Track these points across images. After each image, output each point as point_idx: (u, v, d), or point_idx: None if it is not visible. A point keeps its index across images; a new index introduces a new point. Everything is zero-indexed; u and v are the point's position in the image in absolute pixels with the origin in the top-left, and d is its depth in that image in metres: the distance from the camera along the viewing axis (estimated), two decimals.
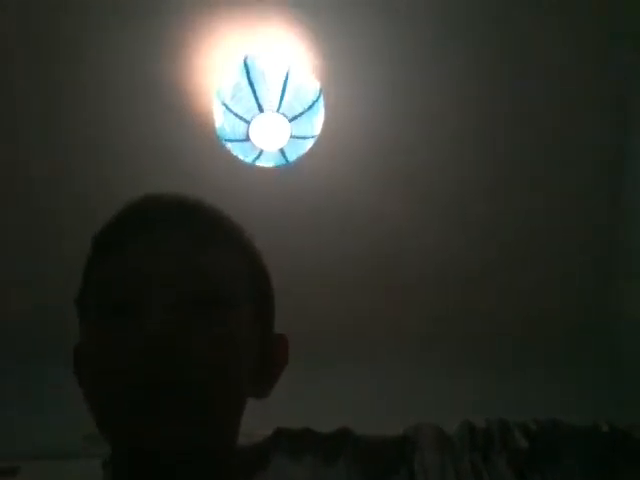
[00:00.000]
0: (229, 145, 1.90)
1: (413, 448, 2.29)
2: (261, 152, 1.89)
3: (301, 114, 1.86)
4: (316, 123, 1.91)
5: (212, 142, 1.94)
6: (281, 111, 1.83)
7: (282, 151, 1.89)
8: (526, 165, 2.18)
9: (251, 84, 1.82)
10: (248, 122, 1.83)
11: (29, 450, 2.16)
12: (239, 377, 0.62)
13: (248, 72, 1.83)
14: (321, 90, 1.89)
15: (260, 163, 1.94)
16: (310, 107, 1.87)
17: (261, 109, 1.82)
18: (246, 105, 1.83)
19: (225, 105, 1.84)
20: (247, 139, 1.85)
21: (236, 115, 1.83)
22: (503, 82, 1.99)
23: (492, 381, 2.56)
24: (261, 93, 1.82)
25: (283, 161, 1.93)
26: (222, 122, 1.86)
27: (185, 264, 0.62)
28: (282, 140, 1.85)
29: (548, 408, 2.40)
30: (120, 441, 0.59)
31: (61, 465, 2.04)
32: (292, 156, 1.93)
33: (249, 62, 1.85)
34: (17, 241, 2.21)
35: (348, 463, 2.24)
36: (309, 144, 1.93)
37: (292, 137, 1.87)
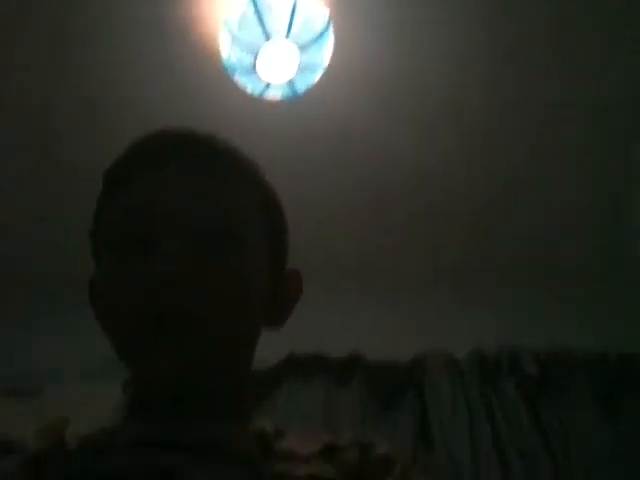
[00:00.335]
0: (237, 76, 1.87)
1: (423, 373, 2.36)
2: (269, 84, 1.86)
3: (310, 43, 1.81)
4: (325, 53, 1.86)
5: (220, 74, 1.91)
6: (289, 39, 1.78)
7: (291, 82, 1.87)
8: (539, 102, 2.12)
9: (258, 13, 1.78)
10: (255, 52, 1.80)
11: (53, 372, 2.26)
12: (251, 311, 0.64)
13: (255, 1, 1.79)
14: (330, 18, 1.84)
15: (269, 95, 1.91)
16: (319, 36, 1.82)
17: (268, 38, 1.78)
18: (253, 34, 1.79)
19: (232, 35, 1.80)
20: (254, 70, 1.82)
21: (243, 45, 1.80)
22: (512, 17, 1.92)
23: (503, 309, 2.58)
24: (268, 22, 1.77)
25: (291, 93, 1.90)
26: (229, 53, 1.83)
27: (197, 199, 0.62)
28: (290, 70, 1.82)
29: (558, 337, 2.43)
30: (136, 372, 0.61)
31: (83, 387, 2.14)
32: (301, 88, 1.89)
33: None
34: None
35: (359, 386, 2.31)
36: (318, 75, 1.89)
37: (301, 67, 1.83)
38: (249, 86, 1.87)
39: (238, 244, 0.62)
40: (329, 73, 1.91)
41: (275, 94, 1.90)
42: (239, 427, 0.61)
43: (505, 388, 2.33)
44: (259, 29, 1.78)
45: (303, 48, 1.82)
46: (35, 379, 2.27)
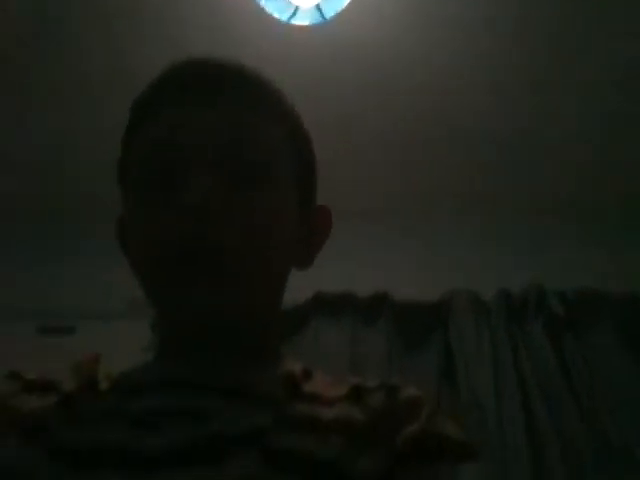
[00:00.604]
0: (263, 2, 1.79)
1: (449, 312, 2.34)
2: (297, 9, 1.78)
3: None
4: None
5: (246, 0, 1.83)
6: None
7: (318, 7, 1.78)
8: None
9: None
10: None
11: (84, 310, 2.29)
12: (279, 248, 0.63)
13: None
14: None
15: (296, 21, 1.83)
16: None
17: None
18: None
19: None
20: None
21: None
22: None
23: (532, 247, 2.55)
24: None
25: (320, 18, 1.82)
26: None
27: (226, 129, 0.61)
28: None
29: (587, 276, 2.39)
30: (164, 307, 0.62)
31: (114, 325, 2.15)
32: (329, 12, 1.81)
33: None
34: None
35: (386, 325, 2.31)
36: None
37: None
38: (277, 12, 1.79)
39: (267, 175, 0.62)
40: None
41: (303, 19, 1.82)
42: (266, 368, 0.62)
43: (532, 328, 2.32)
44: None
45: None
46: (67, 316, 2.31)
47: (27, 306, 2.29)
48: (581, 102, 2.24)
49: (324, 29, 1.90)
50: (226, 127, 0.61)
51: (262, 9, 1.81)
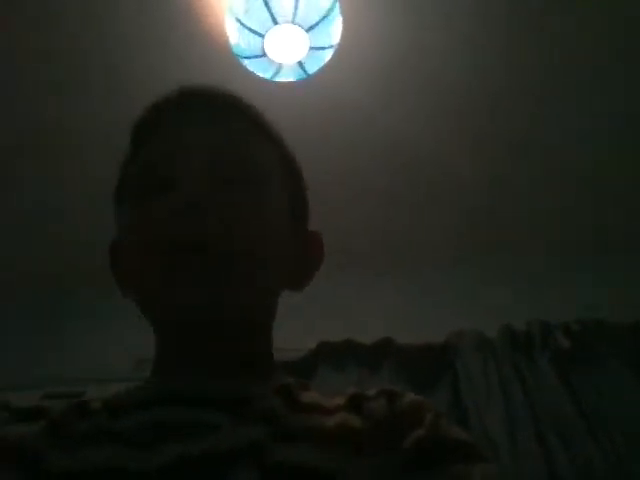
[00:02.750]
0: (246, 62, 1.85)
1: (455, 354, 2.32)
2: (280, 67, 1.84)
3: (317, 23, 1.78)
4: (334, 32, 1.83)
5: (229, 60, 1.89)
6: (296, 21, 1.76)
7: (301, 64, 1.84)
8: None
9: None
10: (263, 36, 1.77)
11: (92, 375, 2.28)
12: (269, 255, 0.62)
13: None
14: None
15: (280, 78, 1.89)
16: (326, 15, 1.79)
17: (275, 21, 1.75)
18: (260, 18, 1.76)
19: (238, 21, 1.78)
20: (264, 54, 1.80)
21: (250, 30, 1.77)
22: None
23: (531, 285, 2.55)
24: (274, 4, 1.75)
25: (303, 74, 1.87)
26: (237, 39, 1.80)
27: (220, 144, 0.64)
28: (300, 52, 1.79)
29: (589, 307, 2.38)
30: (159, 308, 0.59)
31: (121, 386, 2.12)
32: (312, 68, 1.87)
33: None
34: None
35: (392, 371, 2.29)
36: (328, 54, 1.86)
37: (311, 48, 1.80)
38: (261, 70, 1.84)
39: (260, 186, 0.63)
40: (340, 52, 1.88)
41: (287, 76, 1.87)
42: (262, 380, 0.60)
43: (538, 363, 2.29)
44: (265, 13, 1.75)
45: (311, 29, 1.79)
46: (78, 380, 2.30)
47: (34, 373, 2.31)
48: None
49: (307, 84, 1.96)
50: (222, 139, 0.64)
51: (246, 68, 1.86)
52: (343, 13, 1.83)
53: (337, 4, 1.81)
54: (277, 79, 1.88)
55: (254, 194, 0.62)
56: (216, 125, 0.65)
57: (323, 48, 1.84)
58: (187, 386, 0.57)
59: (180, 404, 0.54)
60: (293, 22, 1.76)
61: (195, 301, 0.55)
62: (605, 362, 2.27)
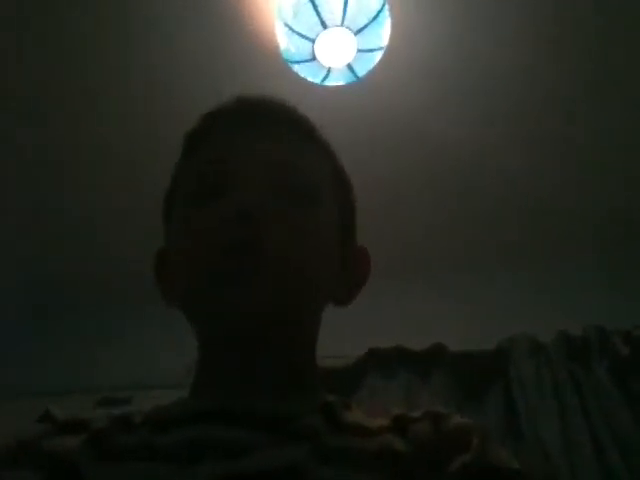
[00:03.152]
0: (296, 67, 1.84)
1: (508, 360, 2.27)
2: (329, 70, 1.83)
3: (366, 26, 1.77)
4: (383, 34, 1.82)
5: (279, 65, 1.89)
6: (345, 24, 1.75)
7: (350, 67, 1.83)
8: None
9: (312, 0, 1.75)
10: (313, 40, 1.77)
11: (143, 382, 2.32)
12: (318, 269, 0.62)
13: None
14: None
15: (329, 82, 1.88)
16: (375, 17, 1.77)
17: (324, 25, 1.75)
18: (309, 23, 1.76)
19: (288, 25, 1.77)
20: (314, 58, 1.79)
21: (300, 35, 1.77)
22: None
23: (589, 288, 2.47)
24: (323, 8, 1.74)
25: (352, 77, 1.86)
26: (287, 44, 1.80)
27: (280, 153, 0.64)
28: (349, 55, 1.78)
29: None
30: (205, 317, 0.60)
31: (168, 393, 2.16)
32: (361, 71, 1.86)
33: None
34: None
35: (443, 379, 2.25)
36: (377, 57, 1.85)
37: (359, 51, 1.79)
38: (310, 75, 1.84)
39: (311, 200, 0.62)
40: (389, 54, 1.86)
41: (336, 80, 1.86)
42: (304, 397, 0.59)
43: (595, 371, 2.22)
44: (314, 17, 1.75)
45: (360, 31, 1.77)
46: (127, 388, 2.35)
47: (87, 381, 2.39)
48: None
49: (358, 88, 1.94)
50: (277, 150, 0.64)
51: (296, 73, 1.86)
52: (392, 15, 1.81)
53: (386, 6, 1.79)
54: (327, 83, 1.87)
55: (306, 207, 0.61)
56: (270, 136, 0.65)
57: (372, 50, 1.83)
58: (228, 403, 0.56)
59: (221, 422, 0.53)
60: (342, 25, 1.75)
61: (246, 307, 0.55)
62: None
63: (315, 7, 1.74)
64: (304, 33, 1.76)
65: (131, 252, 2.40)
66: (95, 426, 0.57)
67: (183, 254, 0.61)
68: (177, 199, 0.66)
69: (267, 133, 0.65)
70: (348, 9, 1.74)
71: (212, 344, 0.62)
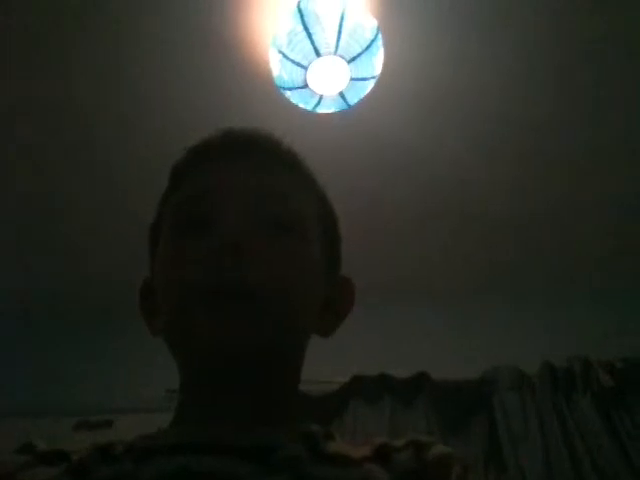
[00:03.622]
0: (288, 93, 1.86)
1: (492, 390, 2.27)
2: (321, 98, 1.84)
3: (360, 54, 1.79)
4: (376, 63, 1.84)
5: (271, 91, 1.91)
6: (338, 53, 1.76)
7: (342, 95, 1.84)
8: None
9: (306, 28, 1.77)
10: (306, 68, 1.79)
11: (121, 404, 2.30)
12: (303, 302, 0.62)
13: (302, 16, 1.78)
14: (379, 28, 1.82)
15: (321, 110, 1.90)
16: (368, 46, 1.80)
17: (318, 53, 1.77)
18: (303, 50, 1.78)
19: (282, 53, 1.79)
20: (306, 85, 1.81)
21: (293, 62, 1.78)
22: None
23: (572, 320, 2.49)
24: (317, 37, 1.76)
25: (344, 105, 1.88)
26: (280, 70, 1.82)
27: (261, 187, 0.63)
28: (342, 83, 1.80)
29: (632, 344, 2.31)
30: (189, 349, 0.59)
31: (149, 417, 2.13)
32: (353, 99, 1.87)
33: (302, 6, 1.79)
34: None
35: (426, 407, 2.25)
36: (370, 85, 1.86)
37: (352, 79, 1.81)
38: (302, 102, 1.86)
39: (297, 234, 0.63)
40: (381, 84, 1.88)
41: (328, 108, 1.88)
42: (287, 428, 0.58)
43: (579, 402, 2.23)
44: (308, 45, 1.77)
45: (353, 60, 1.80)
46: (105, 411, 2.34)
47: (66, 403, 2.34)
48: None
49: (349, 115, 1.96)
50: (262, 182, 0.64)
51: (288, 99, 1.88)
52: (385, 44, 1.84)
53: (379, 36, 1.82)
54: (318, 110, 1.89)
55: (291, 238, 0.62)
56: (257, 170, 0.65)
57: (365, 79, 1.85)
58: (212, 434, 0.55)
59: (204, 452, 0.53)
60: (335, 53, 1.77)
61: (229, 337, 0.55)
62: None
63: (309, 35, 1.77)
64: (297, 60, 1.78)
65: (115, 275, 2.42)
66: (75, 457, 0.57)
67: (167, 286, 0.61)
68: (163, 231, 0.66)
69: (253, 165, 0.65)
70: (342, 38, 1.76)
71: (193, 375, 0.61)
